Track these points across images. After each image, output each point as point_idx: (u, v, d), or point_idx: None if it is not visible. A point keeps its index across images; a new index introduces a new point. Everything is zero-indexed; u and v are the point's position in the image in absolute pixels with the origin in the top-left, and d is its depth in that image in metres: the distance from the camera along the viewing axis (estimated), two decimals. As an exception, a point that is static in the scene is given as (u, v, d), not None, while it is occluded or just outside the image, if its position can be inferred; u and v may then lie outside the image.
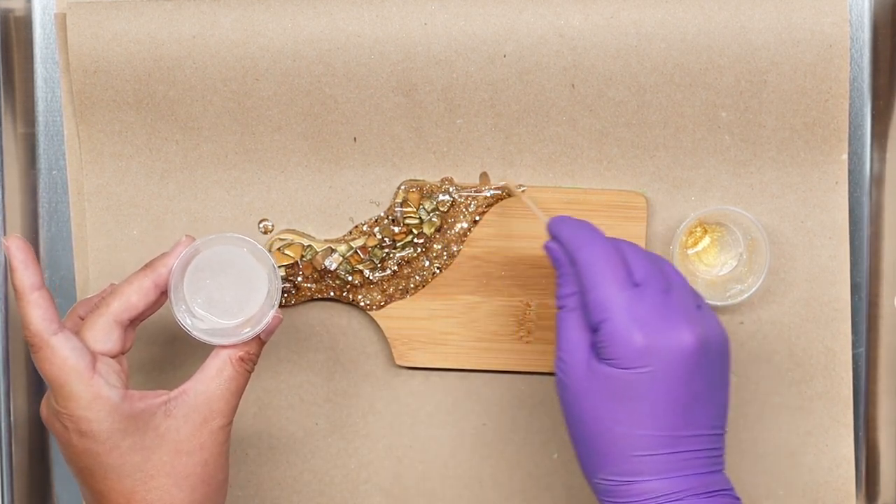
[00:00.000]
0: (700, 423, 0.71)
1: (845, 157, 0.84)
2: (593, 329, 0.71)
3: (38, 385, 0.89)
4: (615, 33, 0.82)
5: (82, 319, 0.75)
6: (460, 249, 0.85)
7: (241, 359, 0.74)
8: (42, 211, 0.88)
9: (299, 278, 0.85)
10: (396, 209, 0.85)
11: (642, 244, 0.85)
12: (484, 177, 0.85)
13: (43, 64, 0.88)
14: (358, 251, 0.85)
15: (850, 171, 0.86)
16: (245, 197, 0.86)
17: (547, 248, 0.75)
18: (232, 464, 0.87)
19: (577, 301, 0.72)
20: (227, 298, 0.75)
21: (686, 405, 0.70)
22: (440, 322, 0.86)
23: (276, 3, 0.83)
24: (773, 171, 0.85)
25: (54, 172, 0.88)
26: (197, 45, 0.83)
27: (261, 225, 0.86)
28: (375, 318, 0.86)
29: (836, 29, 0.81)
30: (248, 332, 0.74)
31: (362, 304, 0.86)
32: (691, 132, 0.84)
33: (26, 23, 0.87)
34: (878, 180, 0.87)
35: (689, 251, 0.86)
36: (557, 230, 0.74)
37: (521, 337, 0.86)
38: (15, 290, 0.71)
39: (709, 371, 0.71)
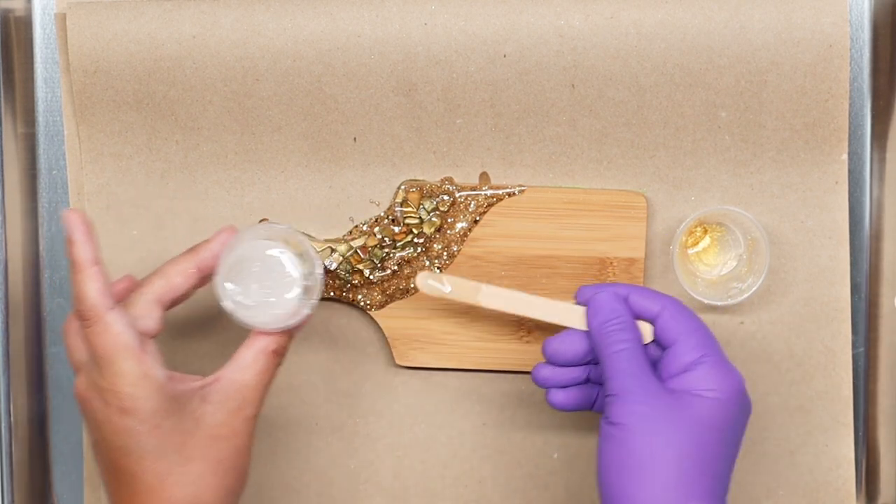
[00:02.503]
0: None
1: (845, 157, 0.84)
2: (684, 369, 0.74)
3: (38, 385, 0.89)
4: (615, 33, 0.82)
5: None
6: (460, 249, 0.85)
7: (275, 352, 0.75)
8: (42, 211, 0.88)
9: (299, 278, 0.85)
10: (396, 209, 0.85)
11: (642, 244, 0.85)
12: (484, 177, 0.85)
13: (43, 64, 0.88)
14: (358, 251, 0.85)
15: (850, 171, 0.86)
16: (245, 197, 0.86)
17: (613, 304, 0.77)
18: (232, 464, 0.87)
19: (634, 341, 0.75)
20: (266, 288, 0.76)
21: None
22: (440, 322, 0.86)
23: (276, 3, 0.83)
24: (773, 171, 0.85)
25: (54, 172, 0.88)
26: (197, 45, 0.83)
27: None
28: (375, 318, 0.86)
29: (836, 29, 0.81)
30: (288, 322, 0.75)
31: (362, 304, 0.86)
32: (691, 132, 0.84)
33: (26, 23, 0.87)
34: (878, 180, 0.87)
35: (689, 251, 0.86)
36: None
37: (521, 337, 0.86)
38: (73, 262, 0.71)
39: None
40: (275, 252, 0.76)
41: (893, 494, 0.87)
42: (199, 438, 0.73)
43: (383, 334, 0.86)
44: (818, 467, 0.86)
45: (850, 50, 0.85)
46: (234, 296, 0.75)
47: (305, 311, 0.75)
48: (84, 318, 0.71)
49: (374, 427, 0.87)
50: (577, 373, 0.78)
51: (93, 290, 0.71)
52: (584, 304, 0.77)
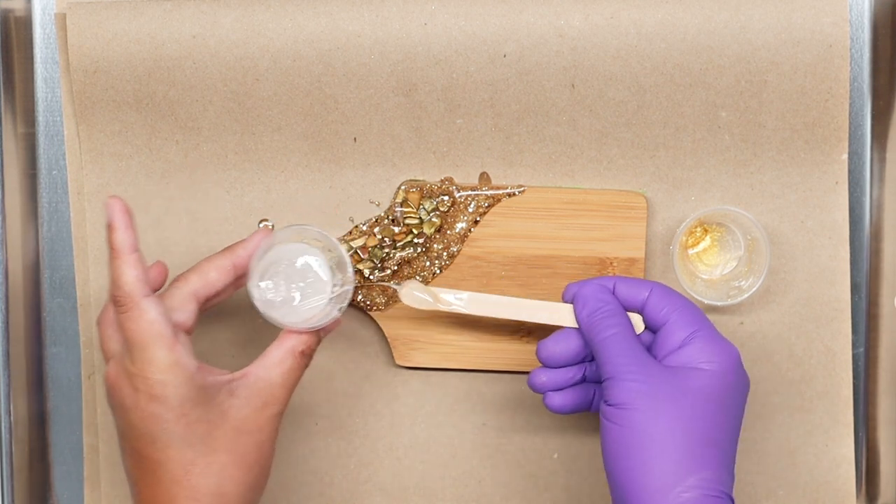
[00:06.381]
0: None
1: (845, 157, 0.84)
2: (679, 345, 0.75)
3: (38, 385, 0.89)
4: (615, 33, 0.82)
5: None
6: (460, 249, 0.85)
7: (303, 353, 0.76)
8: (42, 211, 0.88)
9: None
10: (396, 209, 0.85)
11: (642, 244, 0.85)
12: (484, 177, 0.85)
13: (43, 64, 0.88)
14: (358, 251, 0.85)
15: (850, 171, 0.86)
16: (245, 197, 0.86)
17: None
18: (232, 464, 0.87)
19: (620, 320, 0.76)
20: (297, 290, 0.77)
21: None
22: (440, 322, 0.86)
23: (276, 3, 0.83)
24: (773, 171, 0.85)
25: (54, 172, 0.88)
26: (197, 45, 0.83)
27: (261, 225, 0.86)
28: (375, 318, 0.86)
29: (836, 29, 0.81)
30: (318, 323, 0.76)
31: (362, 304, 0.86)
32: (691, 132, 0.84)
33: (26, 23, 0.87)
34: (878, 180, 0.87)
35: (690, 251, 0.86)
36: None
37: (521, 337, 0.86)
38: (112, 248, 0.73)
39: None
40: (308, 257, 0.77)
41: (893, 494, 0.87)
42: (224, 431, 0.74)
43: (383, 334, 0.86)
44: (818, 467, 0.86)
45: (850, 50, 0.85)
46: (265, 294, 0.77)
47: (335, 314, 0.77)
48: (119, 303, 0.72)
49: (374, 427, 0.87)
50: (572, 373, 0.78)
51: (130, 276, 0.72)
52: (572, 302, 0.77)
